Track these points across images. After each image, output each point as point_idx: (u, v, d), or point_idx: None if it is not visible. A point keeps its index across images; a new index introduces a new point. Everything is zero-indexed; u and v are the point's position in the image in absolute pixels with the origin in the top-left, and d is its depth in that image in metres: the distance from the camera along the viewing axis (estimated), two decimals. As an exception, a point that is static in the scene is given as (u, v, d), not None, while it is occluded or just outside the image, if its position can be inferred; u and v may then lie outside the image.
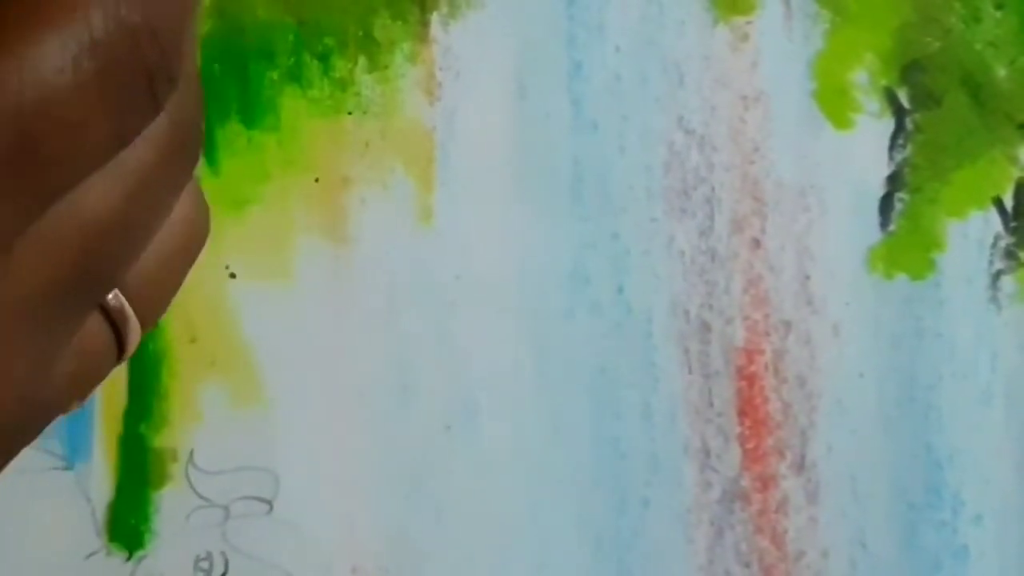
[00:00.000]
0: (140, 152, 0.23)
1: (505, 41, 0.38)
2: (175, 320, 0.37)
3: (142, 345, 0.37)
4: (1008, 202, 0.40)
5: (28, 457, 0.36)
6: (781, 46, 0.39)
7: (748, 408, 0.39)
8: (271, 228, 0.37)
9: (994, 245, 0.40)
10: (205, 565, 0.37)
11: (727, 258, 0.39)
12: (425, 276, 0.38)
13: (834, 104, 0.40)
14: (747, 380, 0.39)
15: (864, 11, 0.40)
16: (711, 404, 0.39)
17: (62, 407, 0.25)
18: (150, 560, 0.36)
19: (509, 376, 0.38)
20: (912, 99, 0.40)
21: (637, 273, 0.39)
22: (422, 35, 0.38)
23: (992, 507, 0.40)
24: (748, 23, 0.39)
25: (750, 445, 0.39)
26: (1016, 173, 0.40)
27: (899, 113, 0.40)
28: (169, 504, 0.36)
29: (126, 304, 0.25)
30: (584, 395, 0.38)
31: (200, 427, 0.37)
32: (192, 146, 0.25)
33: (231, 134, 0.37)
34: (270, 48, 0.37)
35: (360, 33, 0.38)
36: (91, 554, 0.36)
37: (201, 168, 0.25)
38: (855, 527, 0.39)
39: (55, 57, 0.21)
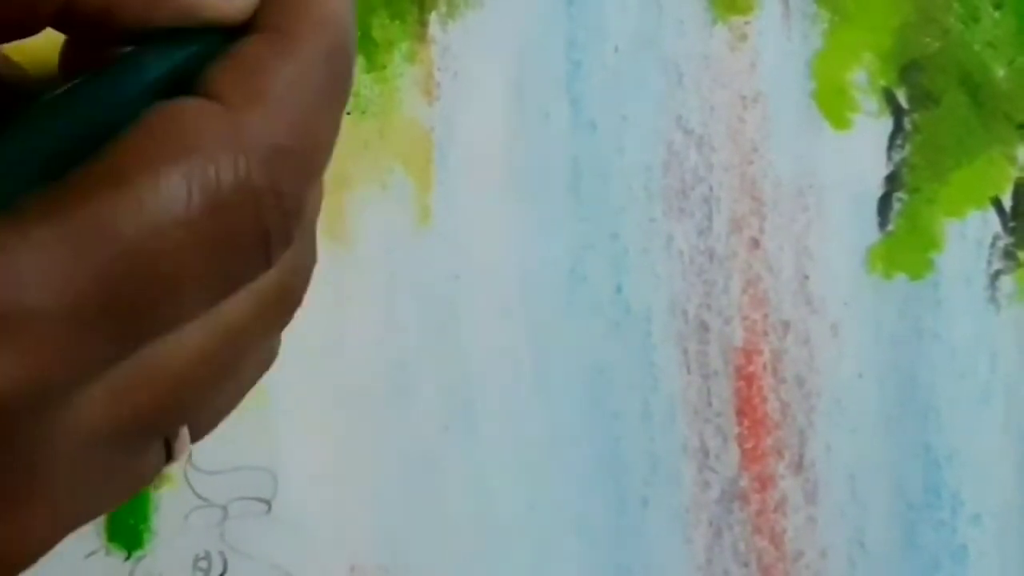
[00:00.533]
0: (241, 304, 0.22)
1: (504, 41, 0.38)
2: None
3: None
4: (1007, 202, 0.40)
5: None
6: (780, 46, 0.39)
7: (747, 408, 0.39)
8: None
9: (993, 245, 0.40)
10: (204, 565, 0.37)
11: (726, 258, 0.39)
12: (423, 276, 0.38)
13: (833, 104, 0.40)
14: (746, 380, 0.39)
15: (863, 11, 0.40)
16: (710, 404, 0.39)
17: (97, 516, 0.25)
18: (149, 560, 0.36)
19: (508, 376, 0.38)
20: (911, 99, 0.40)
21: (636, 273, 0.39)
22: (420, 35, 0.38)
23: (991, 507, 0.40)
24: (747, 23, 0.39)
25: (749, 445, 0.39)
26: (1015, 173, 0.40)
27: (898, 113, 0.40)
28: (168, 504, 0.36)
29: (185, 432, 0.24)
30: (582, 395, 0.38)
31: (199, 427, 0.37)
32: (296, 298, 0.24)
33: (230, 134, 0.37)
34: (269, 48, 0.37)
35: (358, 33, 0.38)
36: (90, 553, 0.36)
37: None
38: (854, 527, 0.39)
39: (175, 204, 0.20)
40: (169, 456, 0.24)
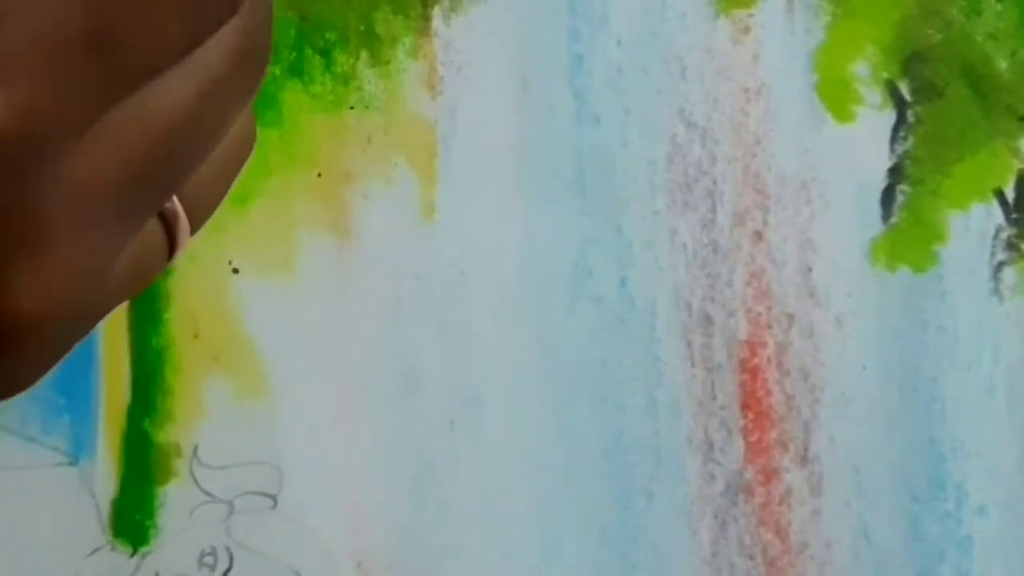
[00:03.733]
0: (213, 55, 0.23)
1: (507, 35, 0.38)
2: (178, 316, 0.37)
3: (145, 340, 0.37)
4: (1010, 194, 0.40)
5: (33, 453, 0.36)
6: (782, 39, 0.40)
7: (751, 401, 0.39)
8: (274, 223, 0.37)
9: (996, 237, 0.40)
10: (209, 560, 0.37)
11: (729, 251, 0.39)
12: (428, 270, 0.38)
13: (836, 96, 0.40)
14: (750, 373, 0.39)
15: (865, 3, 0.40)
16: (714, 397, 0.39)
17: (112, 306, 0.25)
18: (154, 556, 0.36)
19: (512, 370, 0.38)
20: (913, 91, 0.40)
21: (640, 266, 0.39)
22: (424, 29, 0.38)
23: (996, 498, 0.40)
24: (749, 16, 0.39)
25: (753, 438, 0.39)
26: (1017, 165, 0.40)
27: (900, 105, 0.40)
28: (173, 500, 0.36)
29: (181, 209, 0.25)
30: (587, 388, 0.39)
31: (204, 423, 0.37)
32: (262, 54, 0.25)
33: (233, 129, 0.37)
34: (272, 44, 0.37)
35: (362, 28, 0.38)
36: (96, 550, 0.36)
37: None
38: (859, 519, 0.39)
39: None
40: (172, 241, 0.25)
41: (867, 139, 0.40)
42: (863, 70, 0.40)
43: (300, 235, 0.37)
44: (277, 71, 0.37)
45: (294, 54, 0.37)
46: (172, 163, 0.23)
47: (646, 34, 0.39)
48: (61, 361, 0.25)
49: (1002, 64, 0.40)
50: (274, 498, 0.37)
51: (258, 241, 0.37)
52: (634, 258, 0.39)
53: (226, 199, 0.26)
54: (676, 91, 0.39)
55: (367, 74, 0.38)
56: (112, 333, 0.37)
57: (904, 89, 0.40)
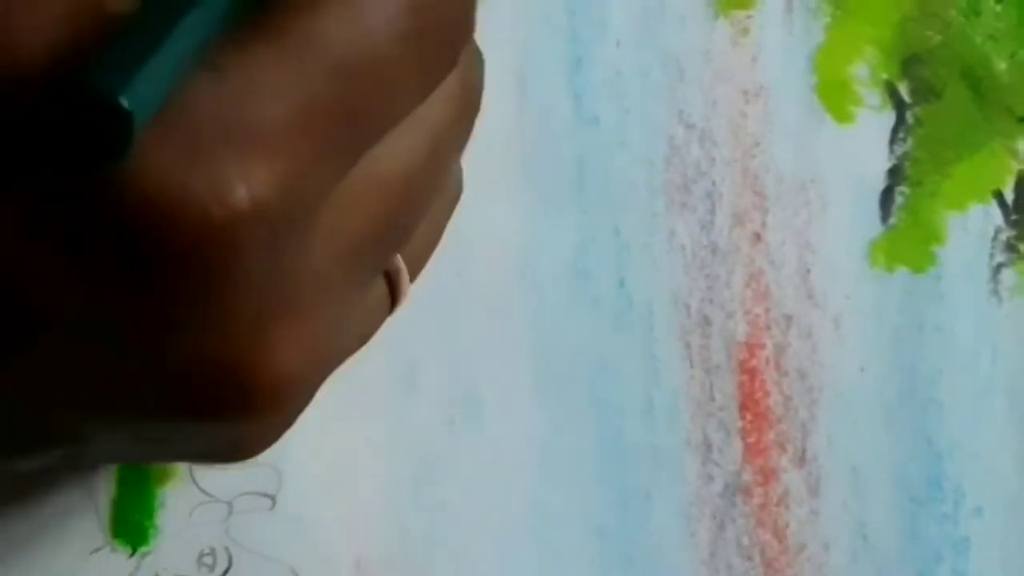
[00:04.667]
0: (436, 109, 0.24)
1: (505, 36, 0.38)
2: (178, 316, 0.37)
3: (145, 341, 0.37)
4: (1008, 195, 0.40)
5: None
6: (781, 40, 0.40)
7: (749, 402, 0.39)
8: (273, 224, 0.37)
9: (995, 238, 0.40)
10: (209, 560, 0.37)
11: (728, 252, 0.39)
12: (426, 270, 0.38)
13: (835, 98, 0.40)
14: (748, 374, 0.39)
15: (864, 5, 0.40)
16: (712, 398, 0.39)
17: (343, 361, 0.26)
18: (154, 556, 0.37)
19: (511, 371, 0.38)
20: (912, 93, 0.40)
21: (638, 267, 0.39)
22: (423, 31, 0.38)
23: (993, 499, 0.40)
24: (748, 17, 0.39)
25: (751, 439, 0.39)
26: (1016, 166, 0.40)
27: (899, 107, 0.40)
28: (173, 500, 0.37)
29: (403, 266, 0.25)
30: (586, 389, 0.39)
31: (203, 423, 0.37)
32: (477, 100, 0.26)
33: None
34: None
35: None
36: (95, 550, 0.36)
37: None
38: (856, 520, 0.39)
39: (381, 9, 0.21)
40: (394, 296, 0.25)
41: (866, 140, 0.40)
42: (862, 71, 0.40)
43: (299, 236, 0.37)
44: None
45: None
46: (405, 218, 0.24)
47: (645, 36, 0.39)
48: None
49: (1001, 65, 0.40)
50: (273, 498, 0.37)
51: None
52: (632, 259, 0.39)
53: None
54: (675, 92, 0.39)
55: (366, 75, 0.38)
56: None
57: (903, 90, 0.40)
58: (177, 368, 0.22)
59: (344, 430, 0.37)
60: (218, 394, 0.22)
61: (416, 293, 0.38)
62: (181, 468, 0.37)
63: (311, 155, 0.21)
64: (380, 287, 0.26)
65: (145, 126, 0.19)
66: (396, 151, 0.23)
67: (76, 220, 0.20)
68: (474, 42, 0.27)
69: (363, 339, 0.27)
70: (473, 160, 0.38)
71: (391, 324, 0.38)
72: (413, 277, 0.27)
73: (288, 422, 0.25)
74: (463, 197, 0.38)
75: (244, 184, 0.20)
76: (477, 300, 0.38)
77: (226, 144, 0.20)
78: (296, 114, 0.20)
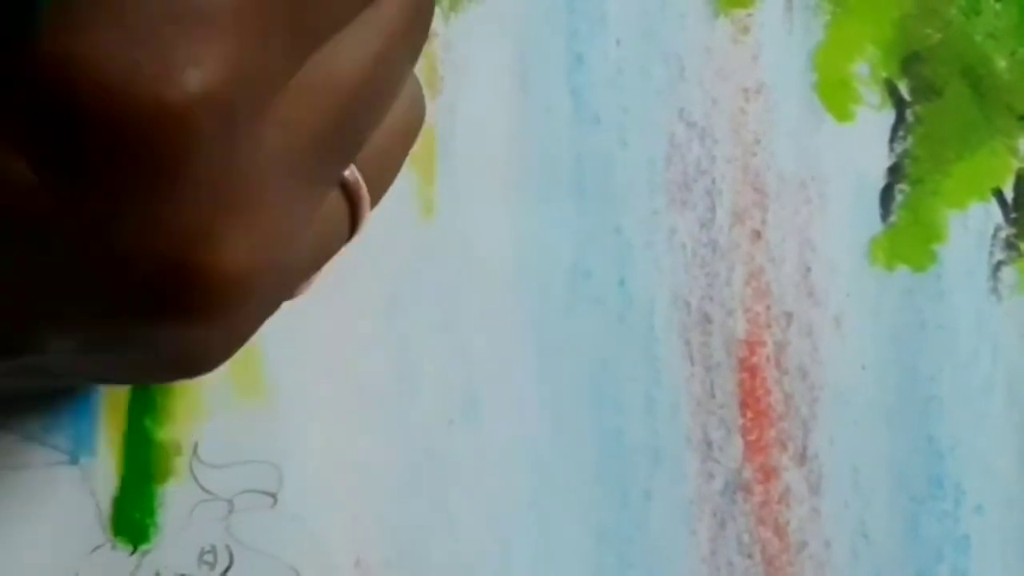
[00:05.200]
0: (386, 12, 0.23)
1: (506, 34, 0.38)
2: (178, 315, 0.37)
3: (145, 340, 0.37)
4: (1008, 193, 0.40)
5: (32, 452, 0.36)
6: (782, 38, 0.40)
7: (750, 400, 0.39)
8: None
9: (995, 236, 0.40)
10: (209, 558, 0.37)
11: (728, 250, 0.39)
12: (427, 269, 0.38)
13: (835, 96, 0.40)
14: (749, 372, 0.39)
15: (864, 3, 0.40)
16: (713, 396, 0.39)
17: (303, 277, 0.25)
18: (155, 554, 0.36)
19: (511, 369, 0.38)
20: (912, 91, 0.40)
21: (638, 265, 0.39)
22: (423, 29, 0.38)
23: (993, 497, 0.40)
24: (749, 15, 0.39)
25: (752, 437, 0.39)
26: (1016, 164, 0.40)
27: (900, 105, 0.40)
28: (173, 498, 0.37)
29: (361, 179, 0.25)
30: (586, 387, 0.39)
31: (204, 421, 0.37)
32: (427, 10, 0.25)
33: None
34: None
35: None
36: (96, 548, 0.36)
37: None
38: (857, 518, 0.39)
39: None
40: (353, 214, 0.24)
41: (866, 138, 0.40)
42: (862, 69, 0.40)
43: (300, 234, 0.37)
44: (277, 71, 0.37)
45: (294, 54, 0.38)
46: (355, 121, 0.23)
47: (645, 34, 0.39)
48: (251, 336, 0.24)
49: (1001, 64, 0.40)
50: (274, 496, 0.37)
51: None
52: (633, 257, 0.39)
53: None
54: (675, 90, 0.39)
55: (366, 74, 0.38)
56: (112, 332, 0.37)
57: (903, 88, 0.40)
58: (122, 265, 0.21)
59: (345, 429, 0.37)
60: (163, 292, 0.21)
61: (416, 292, 0.38)
62: (182, 466, 0.37)
63: (263, 41, 0.20)
64: (338, 202, 0.25)
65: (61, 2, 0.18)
66: (346, 50, 0.22)
67: (10, 100, 0.19)
68: None
69: (322, 255, 0.26)
70: (474, 158, 0.38)
71: (391, 322, 0.38)
72: (377, 198, 0.27)
73: (242, 331, 0.24)
74: (461, 196, 0.38)
75: (195, 67, 0.19)
76: (477, 299, 0.38)
77: (176, 25, 0.19)
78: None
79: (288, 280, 0.25)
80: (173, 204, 0.20)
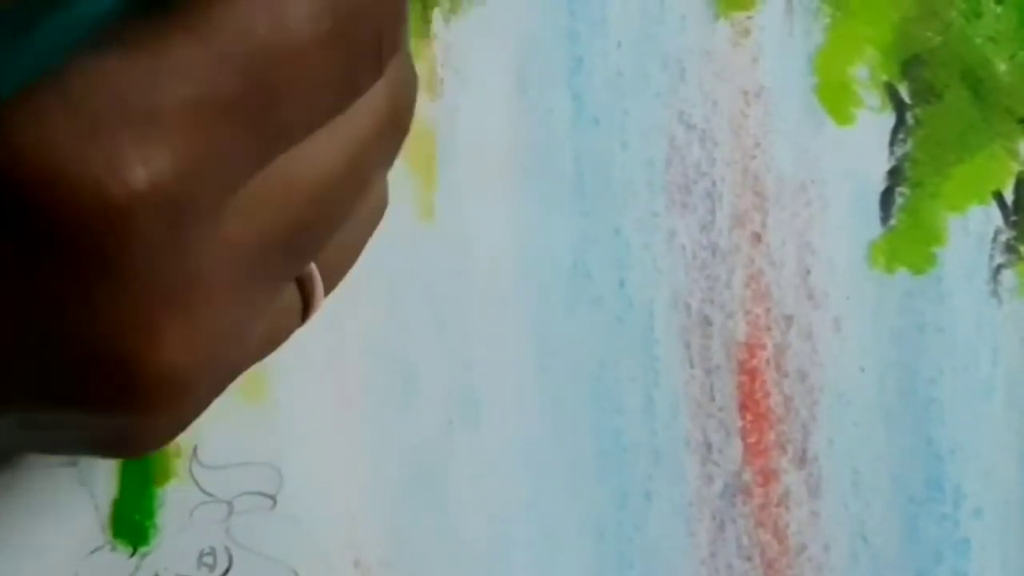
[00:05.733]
0: (359, 122, 0.23)
1: (506, 37, 0.38)
2: (178, 316, 0.37)
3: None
4: (1008, 196, 0.40)
5: (32, 453, 0.36)
6: (782, 41, 0.40)
7: (749, 402, 0.39)
8: (273, 224, 0.37)
9: (994, 239, 0.40)
10: (209, 560, 0.37)
11: (728, 253, 0.39)
12: (426, 271, 0.38)
13: (835, 99, 0.40)
14: (748, 374, 0.39)
15: (864, 6, 0.40)
16: (712, 398, 0.39)
17: (247, 366, 0.25)
18: (154, 556, 0.37)
19: (511, 371, 0.38)
20: (913, 94, 0.40)
21: (638, 268, 0.39)
22: (423, 31, 0.38)
23: (993, 500, 0.40)
24: (749, 18, 0.39)
25: (751, 439, 0.39)
26: (1016, 167, 0.40)
27: (900, 108, 0.40)
28: (173, 500, 0.37)
29: (316, 272, 0.25)
30: (585, 390, 0.39)
31: (203, 423, 0.37)
32: (405, 119, 0.25)
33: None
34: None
35: (361, 29, 0.38)
36: (95, 549, 0.36)
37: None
38: (856, 521, 0.39)
39: (301, 7, 0.21)
40: (306, 304, 0.25)
41: (866, 141, 0.40)
42: (862, 73, 0.40)
43: (299, 236, 0.37)
44: (277, 73, 0.37)
45: (294, 56, 0.38)
46: (318, 226, 0.23)
47: (645, 36, 0.39)
48: (192, 423, 0.24)
49: (1001, 67, 0.40)
50: (273, 498, 0.37)
51: (258, 242, 0.37)
52: (633, 259, 0.39)
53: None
54: (675, 93, 0.39)
55: (367, 76, 0.38)
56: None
57: (903, 92, 0.40)
58: (61, 354, 0.21)
59: (345, 430, 0.37)
60: (100, 385, 0.21)
61: (415, 294, 0.38)
62: (182, 468, 0.37)
63: (216, 144, 0.20)
64: (292, 294, 0.26)
65: (17, 96, 0.18)
66: (312, 158, 0.22)
67: None
68: (410, 62, 0.27)
69: (269, 346, 0.26)
70: (473, 161, 0.38)
71: (391, 324, 0.38)
72: (329, 288, 0.27)
73: (181, 422, 0.24)
74: (461, 198, 0.38)
75: (142, 164, 0.19)
76: (477, 300, 0.38)
77: (127, 123, 0.19)
78: (203, 100, 0.20)
79: (233, 371, 0.25)
80: (113, 297, 0.20)
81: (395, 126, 0.25)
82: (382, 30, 0.22)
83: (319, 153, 0.22)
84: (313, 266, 0.25)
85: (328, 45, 0.21)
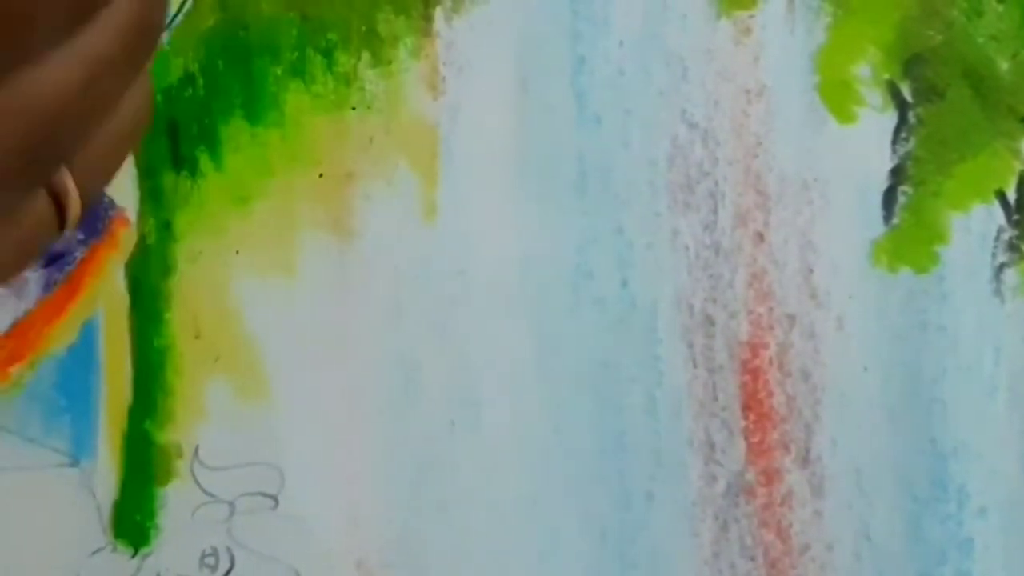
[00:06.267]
0: (100, 35, 0.23)
1: (508, 36, 0.38)
2: (179, 316, 0.37)
3: (146, 341, 0.37)
4: (1011, 195, 0.40)
5: (34, 454, 0.36)
6: (783, 40, 0.39)
7: (752, 402, 0.39)
8: (275, 223, 0.37)
9: (997, 238, 0.40)
10: (211, 561, 0.37)
11: (731, 252, 0.39)
12: (429, 271, 0.38)
13: (837, 98, 0.40)
14: (751, 374, 0.39)
15: (866, 4, 0.40)
16: (715, 398, 0.39)
17: (7, 277, 0.25)
18: (156, 556, 0.36)
19: (513, 371, 0.38)
20: (915, 92, 0.40)
21: (641, 267, 0.39)
22: (425, 30, 0.38)
23: (996, 499, 0.40)
24: (751, 17, 0.39)
25: (755, 439, 0.39)
26: (1018, 166, 0.40)
27: (902, 106, 0.40)
28: (174, 500, 0.36)
29: (71, 182, 0.25)
30: (588, 389, 0.38)
31: (205, 423, 0.37)
32: (152, 33, 0.25)
33: (235, 130, 0.37)
34: (274, 43, 0.37)
35: (363, 28, 0.38)
36: (97, 551, 0.36)
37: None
38: (860, 520, 0.39)
39: None
40: (62, 216, 0.25)
41: (868, 140, 0.40)
42: (865, 71, 0.40)
43: (301, 235, 0.37)
44: (279, 71, 0.37)
45: (296, 54, 0.37)
46: (56, 142, 0.23)
47: (647, 35, 0.39)
48: None
49: (1003, 65, 0.40)
50: (275, 499, 0.37)
51: (259, 241, 0.37)
52: (635, 259, 0.39)
53: (128, 165, 0.26)
54: (677, 92, 0.39)
55: (368, 75, 0.38)
56: (113, 333, 0.37)
57: (905, 90, 0.40)
58: None
59: (345, 431, 0.37)
60: None
61: (418, 294, 0.38)
62: (183, 469, 0.37)
63: None
64: (44, 204, 0.26)
65: None
66: (46, 74, 0.22)
67: None
68: None
69: (25, 257, 0.26)
70: (476, 160, 0.38)
71: (393, 324, 0.37)
72: (93, 196, 0.27)
73: None
74: (463, 198, 0.38)
75: None
76: (479, 300, 0.38)
77: None
78: None
79: None
80: None
81: (139, 40, 0.24)
82: None
83: (51, 72, 0.22)
84: (68, 178, 0.25)
85: None
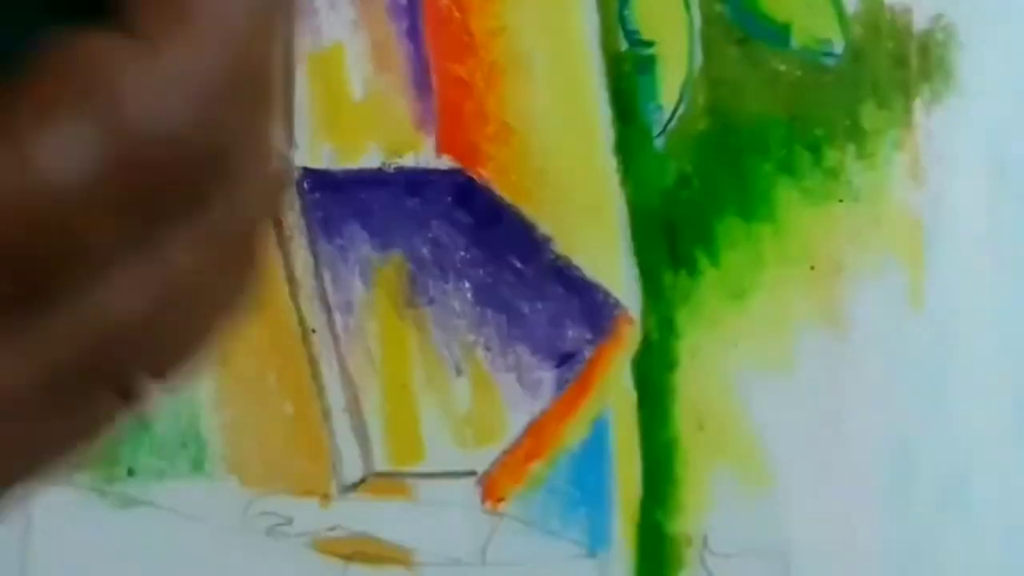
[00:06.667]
0: (176, 246, 0.20)
1: (984, 123, 0.39)
2: (684, 410, 0.38)
3: (653, 434, 0.38)
4: None
5: (555, 546, 0.37)
6: None
7: None
8: (770, 316, 0.38)
9: None
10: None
11: None
12: (919, 357, 0.39)
13: None
14: None
15: None
16: None
17: (57, 465, 0.23)
18: None
19: (1003, 455, 0.39)
20: None
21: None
22: (906, 121, 0.39)
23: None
24: None
25: None
26: None
27: None
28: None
29: (144, 379, 0.22)
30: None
31: (712, 512, 0.38)
32: (249, 255, 0.22)
33: (729, 226, 0.38)
34: (763, 142, 0.38)
35: (848, 123, 0.39)
36: None
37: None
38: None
39: (68, 161, 0.18)
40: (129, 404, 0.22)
41: None
42: None
43: (796, 327, 0.38)
44: (768, 168, 0.38)
45: (784, 151, 0.38)
46: (124, 353, 0.21)
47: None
48: None
49: None
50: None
51: (756, 334, 0.38)
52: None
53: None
54: None
55: (854, 167, 0.39)
56: (622, 428, 0.38)
57: None
58: None
59: (846, 516, 0.38)
60: None
61: (907, 379, 0.39)
62: (693, 557, 0.38)
63: None
64: (106, 396, 0.23)
65: None
66: (107, 294, 0.19)
67: None
68: (273, 174, 0.21)
69: (78, 440, 0.23)
70: (959, 247, 0.39)
71: (883, 410, 0.38)
72: (171, 379, 0.23)
73: None
74: (952, 279, 0.39)
75: None
76: (966, 384, 0.39)
77: None
78: None
79: (34, 474, 0.23)
80: None
81: (230, 262, 0.21)
82: (197, 169, 0.19)
83: (112, 293, 0.19)
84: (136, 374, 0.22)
85: (113, 201, 0.18)
